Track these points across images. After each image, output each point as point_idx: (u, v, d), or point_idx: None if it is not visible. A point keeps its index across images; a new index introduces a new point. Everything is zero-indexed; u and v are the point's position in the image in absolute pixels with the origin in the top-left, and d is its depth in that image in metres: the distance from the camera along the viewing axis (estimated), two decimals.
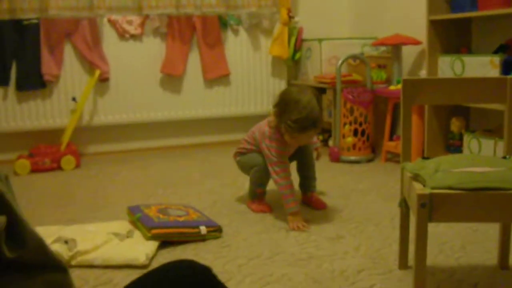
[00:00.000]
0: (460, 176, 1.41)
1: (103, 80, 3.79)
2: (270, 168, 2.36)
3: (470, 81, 1.74)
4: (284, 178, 2.32)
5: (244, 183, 2.60)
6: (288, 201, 2.30)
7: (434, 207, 1.38)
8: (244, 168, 2.58)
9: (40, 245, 0.65)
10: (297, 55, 4.15)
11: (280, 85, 4.17)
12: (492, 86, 1.71)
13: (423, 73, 3.31)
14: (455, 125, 3.09)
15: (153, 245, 2.01)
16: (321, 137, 3.94)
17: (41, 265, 0.60)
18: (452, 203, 1.39)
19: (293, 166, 2.62)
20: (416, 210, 1.40)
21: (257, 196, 2.54)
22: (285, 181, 2.32)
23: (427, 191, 1.39)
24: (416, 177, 1.51)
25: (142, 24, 3.86)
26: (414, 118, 3.04)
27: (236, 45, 4.11)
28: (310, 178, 2.60)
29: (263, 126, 2.44)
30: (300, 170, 2.60)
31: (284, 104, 2.27)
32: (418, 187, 1.43)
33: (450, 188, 1.39)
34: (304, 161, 2.57)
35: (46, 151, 3.54)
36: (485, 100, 1.99)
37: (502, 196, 1.37)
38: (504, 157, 1.66)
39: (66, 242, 1.97)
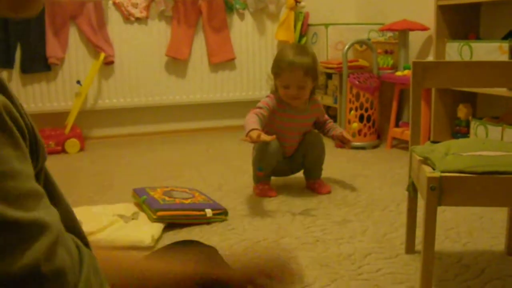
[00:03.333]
0: (470, 160, 1.40)
1: (108, 63, 3.77)
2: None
3: (480, 65, 1.73)
4: (250, 117, 2.28)
5: (249, 167, 2.59)
6: (248, 124, 2.19)
7: (443, 191, 1.37)
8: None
9: (68, 210, 0.61)
10: (303, 40, 4.12)
11: None
12: (503, 70, 1.70)
13: (430, 59, 3.29)
14: (462, 111, 3.07)
15: (158, 227, 2.01)
16: None
17: (69, 231, 0.55)
18: (462, 186, 1.38)
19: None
20: (425, 193, 1.39)
21: (260, 180, 2.53)
22: (249, 116, 2.29)
23: (437, 174, 1.37)
24: (425, 160, 1.50)
25: (147, 7, 3.83)
26: (421, 105, 3.02)
27: (241, 30, 4.08)
28: (316, 170, 2.59)
29: None
30: (307, 162, 2.58)
31: (277, 60, 2.45)
32: (427, 170, 1.41)
33: (460, 171, 1.38)
34: (311, 155, 2.55)
35: (50, 134, 3.53)
36: (495, 84, 1.97)
37: None
38: None
39: None
